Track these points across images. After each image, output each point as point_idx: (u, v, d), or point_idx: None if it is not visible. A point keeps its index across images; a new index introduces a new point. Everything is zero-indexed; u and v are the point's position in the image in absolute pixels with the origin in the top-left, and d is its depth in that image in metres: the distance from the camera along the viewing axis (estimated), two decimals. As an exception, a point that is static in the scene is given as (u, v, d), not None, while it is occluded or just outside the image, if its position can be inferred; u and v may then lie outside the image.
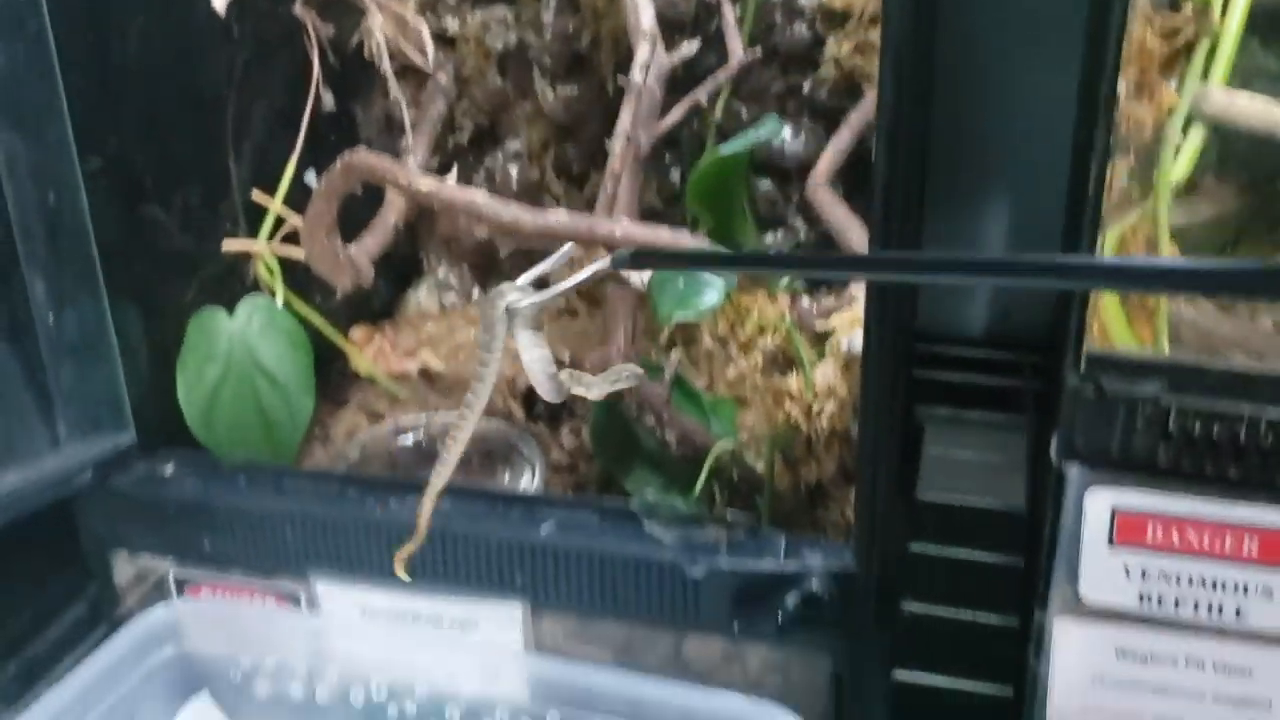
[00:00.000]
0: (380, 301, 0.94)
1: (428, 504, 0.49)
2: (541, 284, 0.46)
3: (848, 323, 0.55)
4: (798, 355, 0.57)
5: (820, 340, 0.60)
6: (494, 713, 0.59)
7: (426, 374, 0.85)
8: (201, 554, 0.63)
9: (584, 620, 0.62)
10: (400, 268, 0.95)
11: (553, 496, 0.62)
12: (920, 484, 0.91)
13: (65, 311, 0.61)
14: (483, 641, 0.60)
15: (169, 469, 0.65)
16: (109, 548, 0.67)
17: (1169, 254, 0.55)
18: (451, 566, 0.59)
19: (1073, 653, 0.54)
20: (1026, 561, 0.80)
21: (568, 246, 0.47)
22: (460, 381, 0.84)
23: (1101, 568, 0.52)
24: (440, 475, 0.49)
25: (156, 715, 0.62)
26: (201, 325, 0.70)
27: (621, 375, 0.47)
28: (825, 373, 0.57)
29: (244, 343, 0.71)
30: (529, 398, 0.82)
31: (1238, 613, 0.51)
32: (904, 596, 0.78)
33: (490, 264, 0.95)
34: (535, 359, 0.46)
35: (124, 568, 0.69)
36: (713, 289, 0.55)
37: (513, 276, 0.96)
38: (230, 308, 0.71)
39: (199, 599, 0.64)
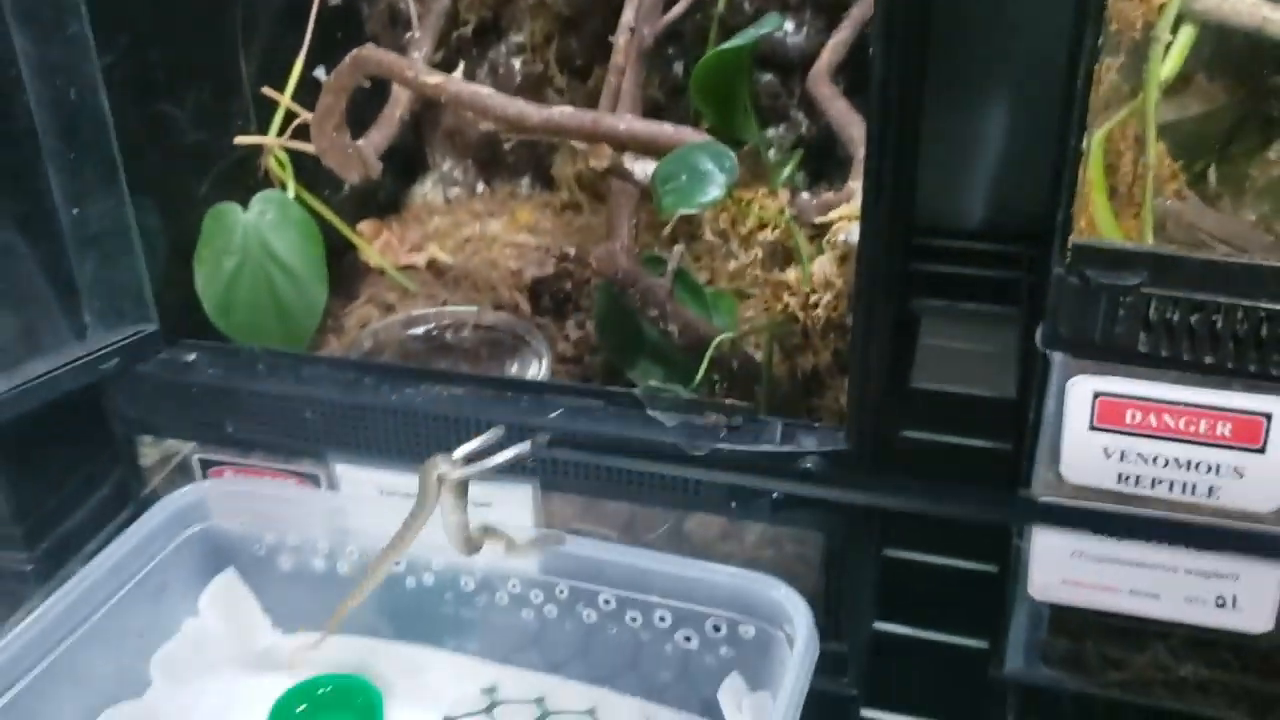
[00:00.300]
0: (386, 196, 0.96)
1: (367, 586, 0.59)
2: (473, 458, 0.55)
3: (846, 216, 0.57)
4: (796, 249, 0.59)
5: (819, 234, 0.62)
6: (506, 584, 0.62)
7: (434, 267, 0.87)
8: (224, 437, 0.66)
9: (590, 500, 0.66)
10: (405, 162, 0.97)
11: (560, 384, 0.65)
12: (914, 373, 0.94)
13: (87, 205, 0.63)
14: (496, 518, 0.63)
15: (191, 356, 0.67)
16: (135, 432, 0.70)
17: (1156, 151, 0.57)
18: (454, 449, 0.62)
19: (1054, 530, 0.58)
20: (1014, 447, 0.83)
21: (497, 430, 0.57)
22: (467, 274, 0.86)
23: (1082, 450, 0.55)
24: (372, 579, 0.59)
25: (185, 589, 0.65)
26: (217, 219, 0.72)
27: (548, 540, 0.58)
28: (823, 266, 0.59)
29: (258, 235, 0.73)
30: (535, 291, 0.84)
31: (1210, 491, 0.54)
32: (895, 479, 0.82)
33: (494, 158, 0.96)
34: (453, 523, 0.55)
35: (149, 452, 0.72)
36: (714, 184, 0.57)
37: (516, 170, 0.99)
38: (244, 202, 0.73)
39: (223, 480, 0.67)
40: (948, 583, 0.73)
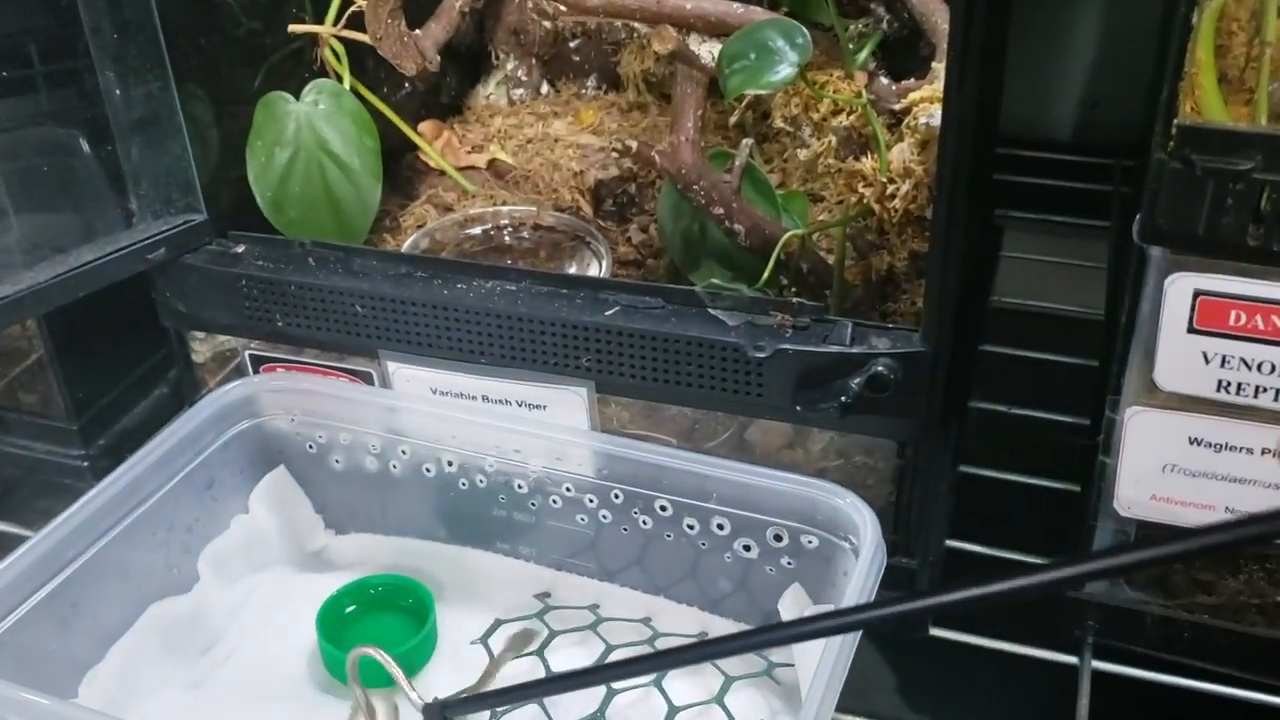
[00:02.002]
0: (449, 96, 0.93)
1: None
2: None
3: (928, 98, 0.53)
4: (874, 135, 0.55)
5: (897, 124, 0.58)
6: (560, 487, 0.60)
7: (495, 168, 0.84)
8: (274, 332, 0.65)
9: (648, 405, 0.63)
10: (469, 63, 0.94)
11: (619, 281, 0.62)
12: (997, 287, 0.89)
13: (134, 93, 0.61)
14: (550, 422, 0.61)
15: (240, 248, 0.65)
16: (185, 327, 0.69)
17: (1275, 28, 0.52)
18: (519, 348, 0.60)
19: (1144, 442, 0.54)
20: (1101, 366, 0.79)
21: None
22: (528, 176, 0.83)
23: (1179, 354, 0.51)
24: None
25: (235, 485, 0.64)
26: (268, 109, 0.70)
27: None
28: (901, 153, 0.55)
29: (311, 126, 0.70)
30: (597, 194, 0.81)
31: (1318, 402, 0.49)
32: (973, 395, 0.78)
33: (559, 57, 0.93)
34: None
35: (201, 349, 0.71)
36: (785, 62, 0.53)
37: (582, 70, 0.95)
38: (297, 93, 0.70)
39: (273, 376, 0.65)
40: (1025, 500, 0.70)
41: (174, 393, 0.78)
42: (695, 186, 0.66)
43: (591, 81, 0.94)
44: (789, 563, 0.57)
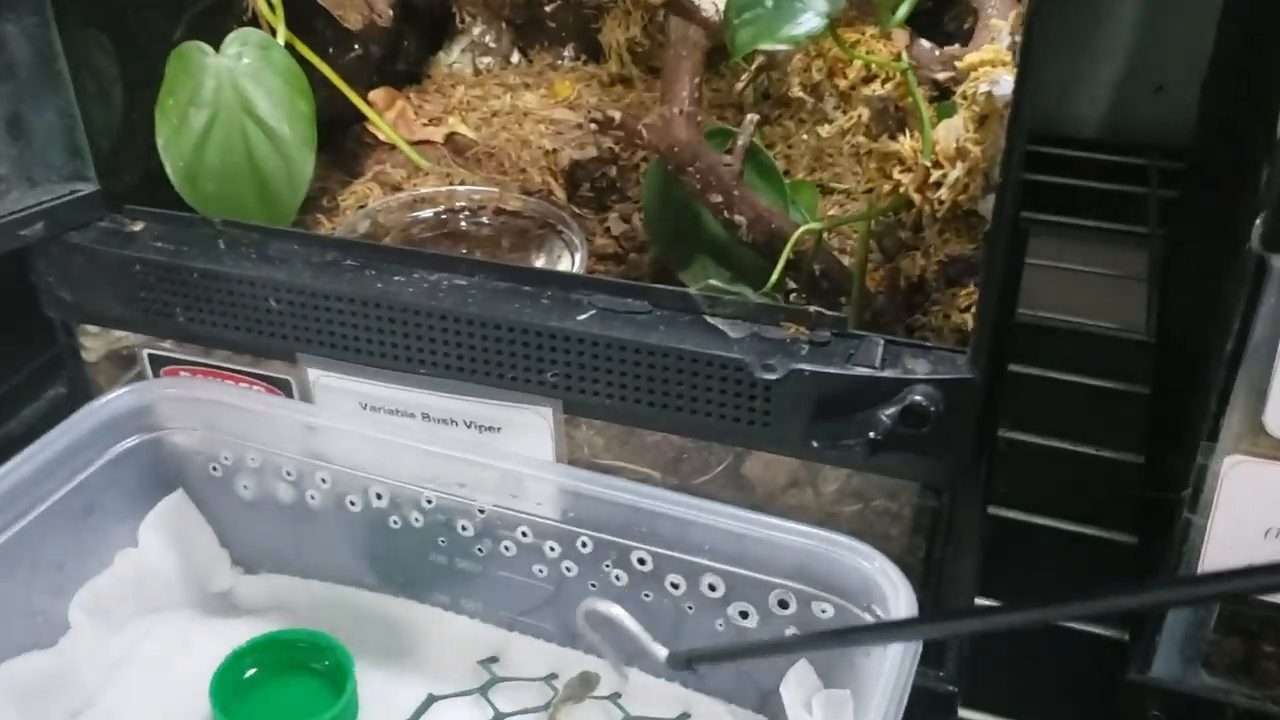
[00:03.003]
0: (407, 63, 0.82)
1: None
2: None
3: (992, 61, 0.42)
4: (915, 108, 0.45)
5: (940, 95, 0.47)
6: (515, 530, 0.49)
7: (454, 143, 0.73)
8: (175, 327, 0.53)
9: (626, 430, 0.52)
10: (430, 25, 0.82)
11: (596, 279, 0.51)
12: (1024, 298, 0.79)
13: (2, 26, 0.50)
14: (505, 448, 0.50)
15: (137, 226, 0.54)
16: (72, 319, 0.57)
17: None
18: (470, 357, 0.49)
19: (1245, 498, 0.43)
20: (1154, 391, 0.68)
21: None
22: (492, 153, 0.72)
23: (1300, 393, 0.40)
24: None
25: (122, 512, 0.53)
26: (183, 62, 0.58)
27: None
28: (951, 131, 0.44)
29: (233, 84, 0.59)
30: (572, 176, 0.70)
31: None
32: (1001, 423, 0.67)
33: (533, 21, 0.82)
34: None
35: (94, 345, 0.59)
36: (810, 10, 0.42)
37: (558, 35, 0.84)
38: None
39: (172, 381, 0.54)
40: (1065, 550, 0.59)
41: (69, 396, 0.67)
42: (690, 168, 0.55)
43: (568, 51, 0.83)
44: (794, 634, 0.46)
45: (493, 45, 0.83)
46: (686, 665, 0.43)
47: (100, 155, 0.53)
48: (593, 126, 0.58)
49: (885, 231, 0.51)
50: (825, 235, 0.54)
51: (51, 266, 0.54)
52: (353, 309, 0.49)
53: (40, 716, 0.48)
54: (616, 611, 0.44)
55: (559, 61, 0.82)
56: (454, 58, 0.84)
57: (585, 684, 0.49)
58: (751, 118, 0.56)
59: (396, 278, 0.50)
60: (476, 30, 0.83)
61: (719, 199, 0.55)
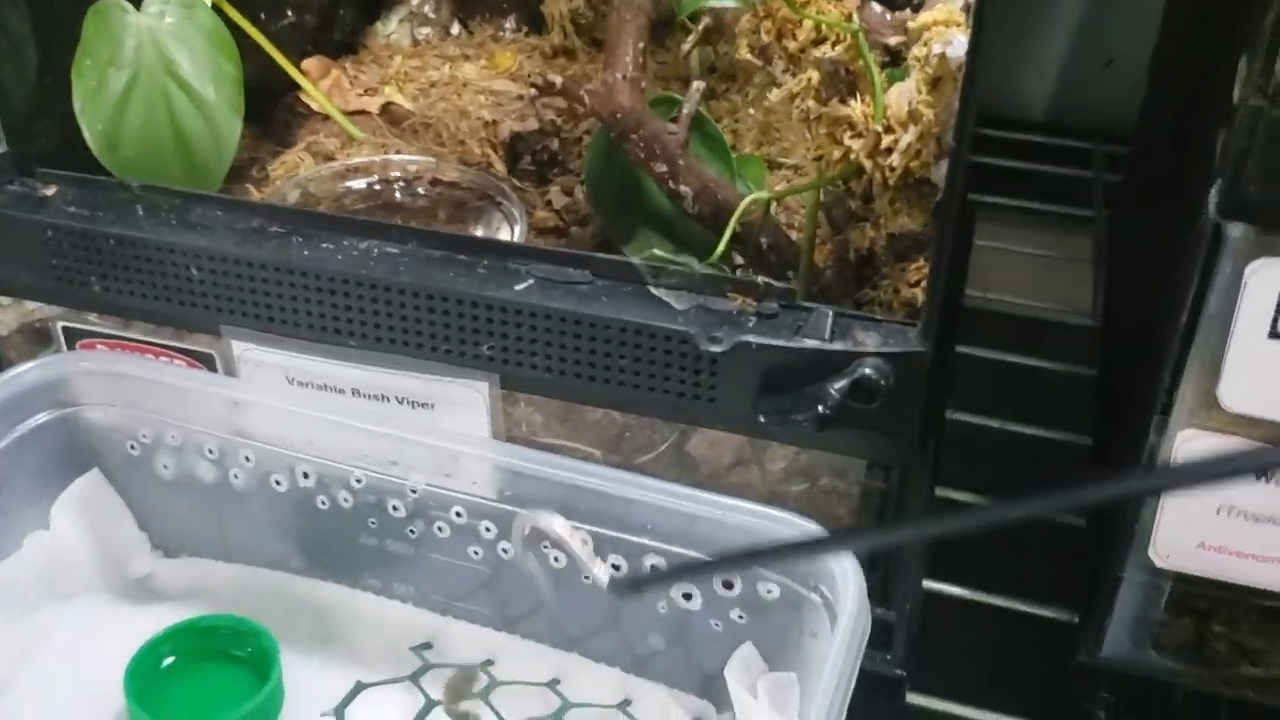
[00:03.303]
0: (343, 33, 0.79)
1: None
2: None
3: (944, 21, 0.41)
4: (867, 70, 0.43)
5: (889, 61, 0.46)
6: (448, 510, 0.47)
7: (390, 114, 0.71)
8: (90, 297, 0.50)
9: (566, 406, 0.50)
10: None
11: (534, 247, 0.49)
12: (970, 279, 0.78)
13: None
14: (439, 426, 0.48)
15: (49, 190, 0.51)
16: (-20, 289, 0.54)
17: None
18: (401, 328, 0.46)
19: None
20: (1100, 374, 0.68)
21: None
22: (429, 124, 0.69)
23: (1256, 365, 0.39)
24: None
25: (31, 493, 0.50)
26: (101, 19, 0.55)
27: None
28: (903, 95, 0.42)
29: (155, 43, 0.56)
30: (512, 149, 0.68)
31: None
32: (948, 405, 0.66)
33: (475, -9, 0.79)
34: None
35: (5, 317, 0.56)
36: (761, -33, 0.41)
37: (499, 6, 0.82)
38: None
39: (86, 354, 0.51)
40: (1020, 535, 0.58)
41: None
42: (633, 136, 0.53)
43: (510, 23, 0.81)
44: (740, 616, 0.44)
45: (432, 16, 0.81)
46: (631, 589, 0.43)
47: (10, 115, 0.50)
48: (532, 92, 0.56)
49: (834, 202, 0.49)
50: (773, 208, 0.53)
51: (-46, 231, 0.51)
52: (279, 278, 0.47)
53: (-57, 708, 0.45)
54: (559, 525, 0.43)
55: (500, 33, 0.80)
56: (391, 28, 0.81)
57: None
58: (698, 85, 0.55)
59: (325, 245, 0.47)
60: (415, 0, 0.81)
61: (663, 168, 0.53)
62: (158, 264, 0.48)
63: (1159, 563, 0.45)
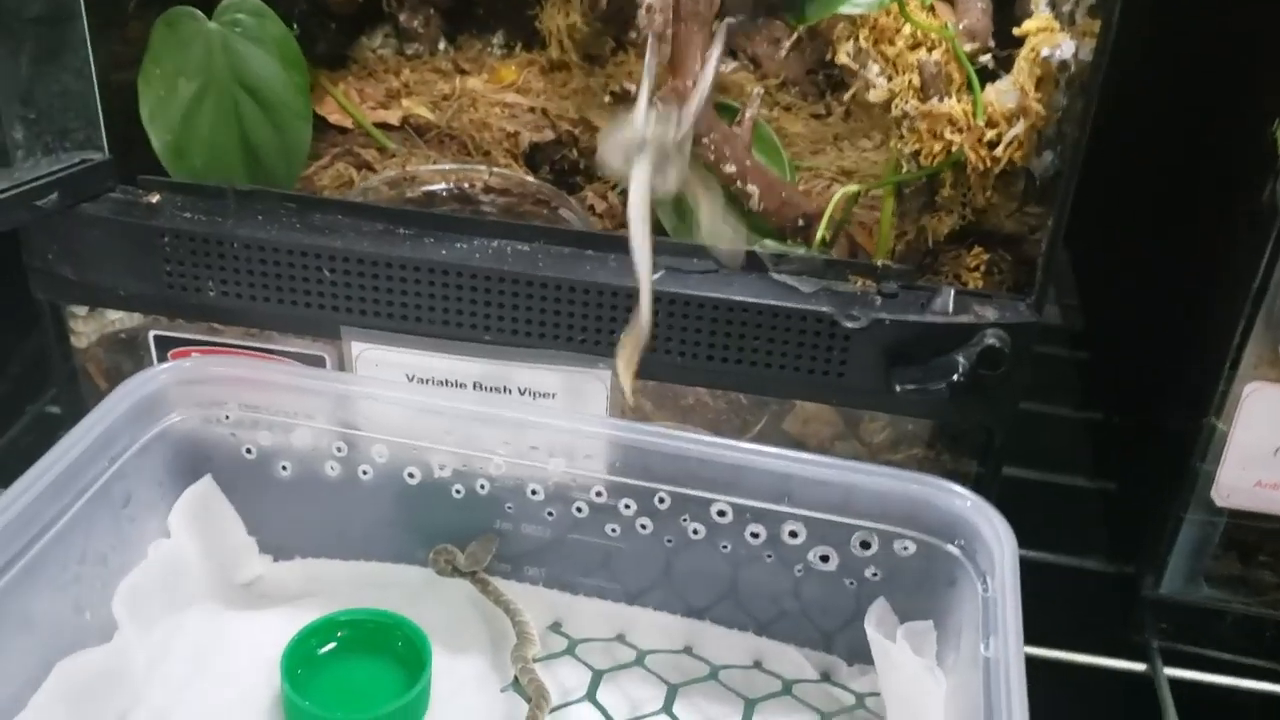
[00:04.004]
0: (329, 46, 0.79)
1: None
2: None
3: (1045, 28, 0.46)
4: (966, 72, 0.48)
5: (982, 69, 0.51)
6: (588, 491, 0.49)
7: (410, 126, 0.72)
8: (202, 304, 0.51)
9: (664, 394, 0.53)
10: (355, 14, 0.81)
11: (659, 240, 0.51)
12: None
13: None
14: (564, 412, 0.50)
15: (154, 197, 0.51)
16: (70, 299, 0.53)
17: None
18: (539, 322, 0.49)
19: (1260, 421, 0.48)
20: (1097, 361, 0.74)
21: None
22: (453, 135, 0.71)
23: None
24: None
25: (152, 501, 0.50)
26: (172, 29, 0.56)
27: None
28: (999, 95, 0.47)
29: (226, 52, 0.56)
30: (531, 159, 0.71)
31: None
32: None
33: (463, 8, 0.81)
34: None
35: (85, 329, 0.56)
36: (889, -21, 0.45)
37: (490, 24, 0.84)
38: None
39: (201, 361, 0.51)
40: (1076, 498, 0.64)
41: (32, 384, 0.62)
42: (705, 140, 0.57)
43: (498, 38, 0.83)
44: (874, 573, 0.48)
45: (420, 31, 0.82)
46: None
47: (113, 122, 0.50)
48: (608, 99, 0.59)
49: (913, 195, 0.54)
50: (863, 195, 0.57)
51: (55, 243, 0.51)
52: (417, 276, 0.49)
53: (91, 716, 0.45)
54: None
55: (489, 49, 0.82)
56: (378, 42, 0.82)
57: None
58: (758, 90, 0.59)
59: (459, 245, 0.49)
60: (404, 15, 0.82)
61: (732, 169, 0.57)
62: (286, 267, 0.49)
63: (1220, 502, 0.51)
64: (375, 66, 0.79)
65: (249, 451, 0.51)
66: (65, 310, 0.54)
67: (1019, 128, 0.47)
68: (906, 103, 0.49)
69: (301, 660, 0.47)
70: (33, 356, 0.60)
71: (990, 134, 0.48)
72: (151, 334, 0.53)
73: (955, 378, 0.46)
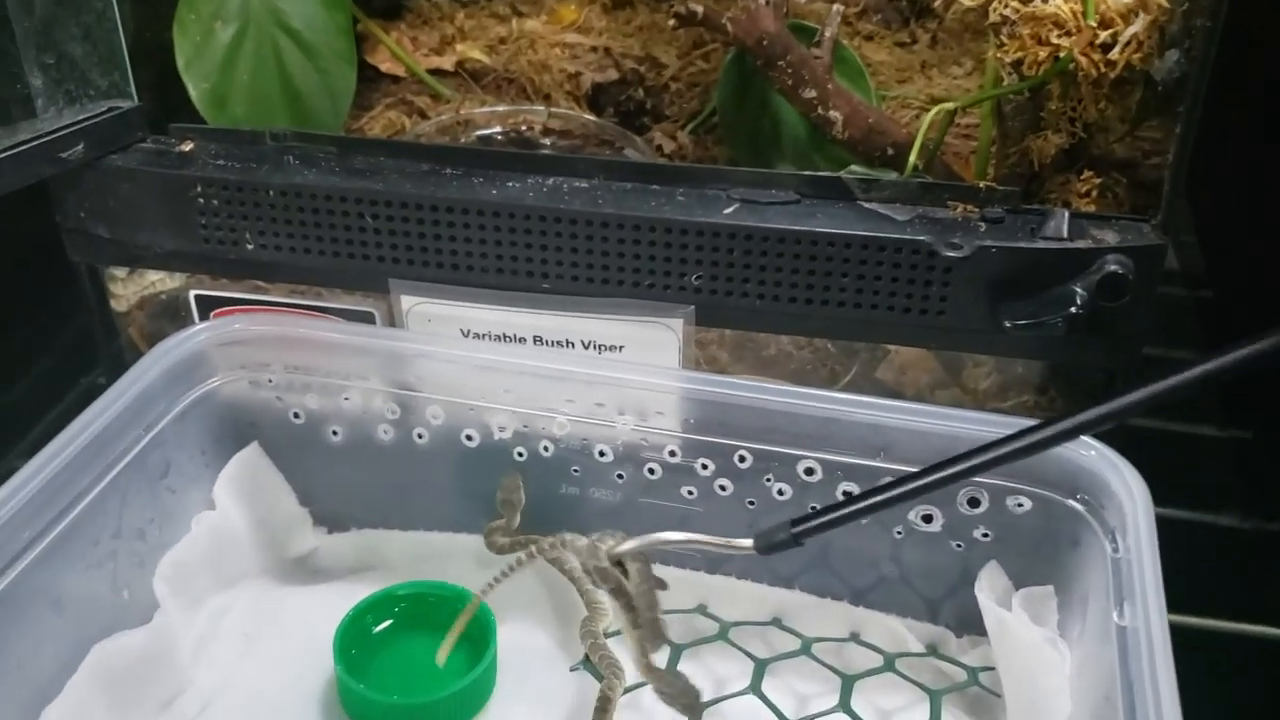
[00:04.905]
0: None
1: None
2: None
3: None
4: (1077, -33, 0.42)
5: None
6: (662, 451, 0.45)
7: (465, 71, 0.68)
8: (241, 259, 0.47)
9: (741, 344, 0.48)
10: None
11: (730, 170, 0.47)
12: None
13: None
14: (632, 365, 0.46)
15: (187, 145, 0.47)
16: (107, 260, 0.50)
17: None
18: (601, 266, 0.44)
19: None
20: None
21: None
22: (511, 79, 0.67)
23: None
24: None
25: (195, 471, 0.46)
26: (205, -31, 0.52)
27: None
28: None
29: (264, -7, 0.53)
30: (595, 101, 0.66)
31: None
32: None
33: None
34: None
35: (124, 291, 0.52)
36: None
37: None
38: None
39: (243, 319, 0.47)
40: (1205, 448, 0.58)
41: (81, 352, 0.59)
42: (780, 63, 0.51)
43: (555, -22, 0.78)
44: (984, 534, 0.43)
45: (475, -26, 0.78)
46: (791, 541, 0.37)
47: (141, 68, 0.47)
48: (671, 23, 0.54)
49: (1014, 111, 0.48)
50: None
51: (85, 199, 0.47)
52: (465, 220, 0.44)
53: (133, 703, 0.42)
54: (684, 536, 0.40)
55: (546, -10, 0.77)
56: (428, -10, 0.78)
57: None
58: (838, 8, 0.53)
59: (511, 184, 0.45)
60: (458, -41, 0.78)
61: (812, 94, 0.52)
62: (325, 214, 0.45)
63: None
64: (429, 14, 0.75)
65: (297, 416, 0.47)
66: (103, 273, 0.51)
67: (1138, 25, 0.41)
68: (1006, 6, 0.43)
69: (355, 639, 0.44)
70: (82, 329, 0.57)
71: (1104, 35, 0.42)
72: (193, 294, 0.50)
73: (1073, 310, 0.40)
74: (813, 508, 0.37)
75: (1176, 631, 0.47)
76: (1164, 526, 0.50)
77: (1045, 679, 0.39)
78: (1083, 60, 0.43)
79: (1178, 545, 0.50)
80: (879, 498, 0.35)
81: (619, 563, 0.39)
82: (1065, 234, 0.41)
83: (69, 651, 0.40)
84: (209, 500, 0.47)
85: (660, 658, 0.42)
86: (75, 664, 0.40)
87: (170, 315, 0.51)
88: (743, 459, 0.44)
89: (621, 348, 0.47)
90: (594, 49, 0.69)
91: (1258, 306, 0.60)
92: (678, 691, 0.39)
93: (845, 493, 0.43)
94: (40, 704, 0.39)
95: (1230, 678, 0.53)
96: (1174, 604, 0.47)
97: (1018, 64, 0.45)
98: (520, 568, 0.41)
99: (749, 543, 0.37)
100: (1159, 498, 0.51)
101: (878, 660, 0.44)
